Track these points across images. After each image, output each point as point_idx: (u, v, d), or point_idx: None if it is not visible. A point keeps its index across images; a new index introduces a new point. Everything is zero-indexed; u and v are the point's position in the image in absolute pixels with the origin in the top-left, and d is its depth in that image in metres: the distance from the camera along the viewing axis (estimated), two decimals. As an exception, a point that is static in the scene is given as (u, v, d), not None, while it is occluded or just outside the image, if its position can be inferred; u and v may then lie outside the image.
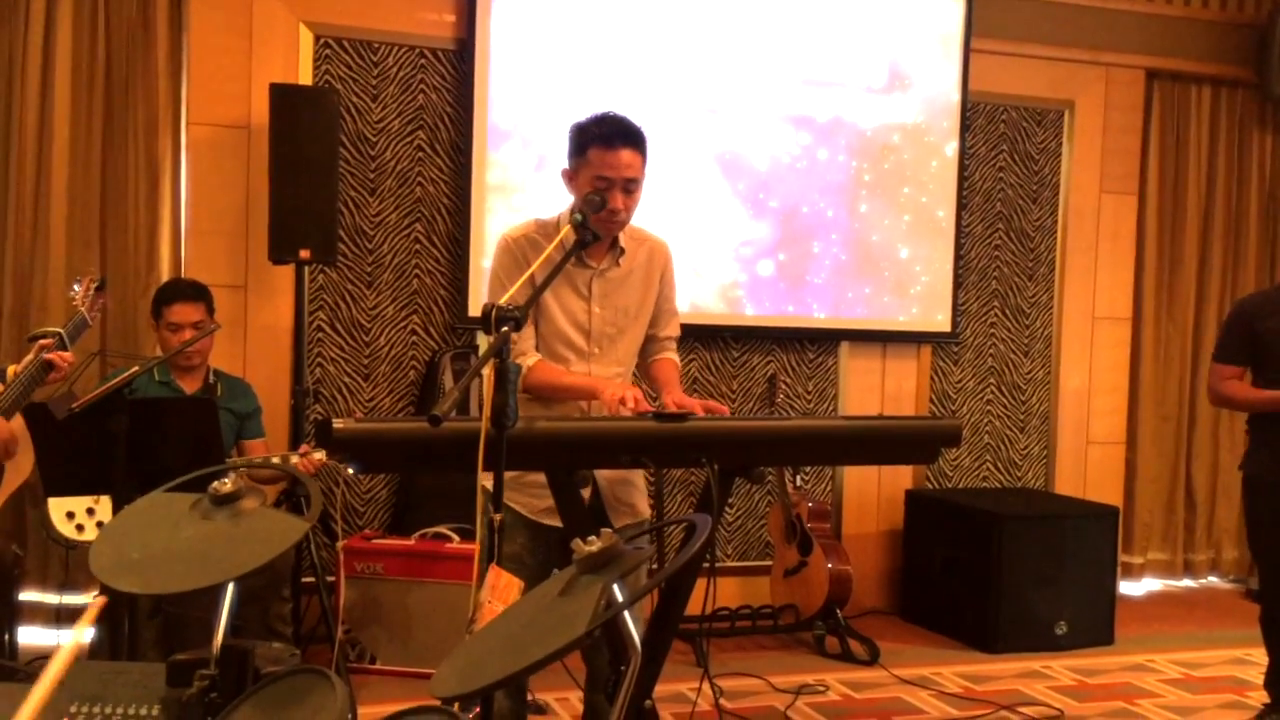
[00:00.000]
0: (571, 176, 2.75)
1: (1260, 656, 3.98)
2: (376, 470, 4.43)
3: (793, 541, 4.98)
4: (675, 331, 3.00)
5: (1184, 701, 4.34)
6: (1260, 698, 3.98)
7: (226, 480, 1.71)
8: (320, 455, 3.63)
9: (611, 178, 2.66)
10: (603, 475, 2.76)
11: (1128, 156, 5.89)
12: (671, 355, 2.98)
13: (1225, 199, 6.09)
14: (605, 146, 2.66)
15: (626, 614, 1.33)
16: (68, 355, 3.23)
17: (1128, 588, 5.92)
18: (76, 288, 3.45)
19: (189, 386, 3.98)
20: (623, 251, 2.80)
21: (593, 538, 1.41)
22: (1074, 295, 5.84)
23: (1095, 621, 5.04)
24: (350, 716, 1.41)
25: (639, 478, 2.87)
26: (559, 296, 2.76)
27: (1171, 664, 4.80)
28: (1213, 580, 6.20)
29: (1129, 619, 5.31)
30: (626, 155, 2.67)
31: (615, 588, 1.28)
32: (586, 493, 2.74)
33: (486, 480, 2.79)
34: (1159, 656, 4.88)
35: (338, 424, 2.35)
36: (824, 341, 5.43)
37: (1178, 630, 5.34)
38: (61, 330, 3.26)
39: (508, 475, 2.73)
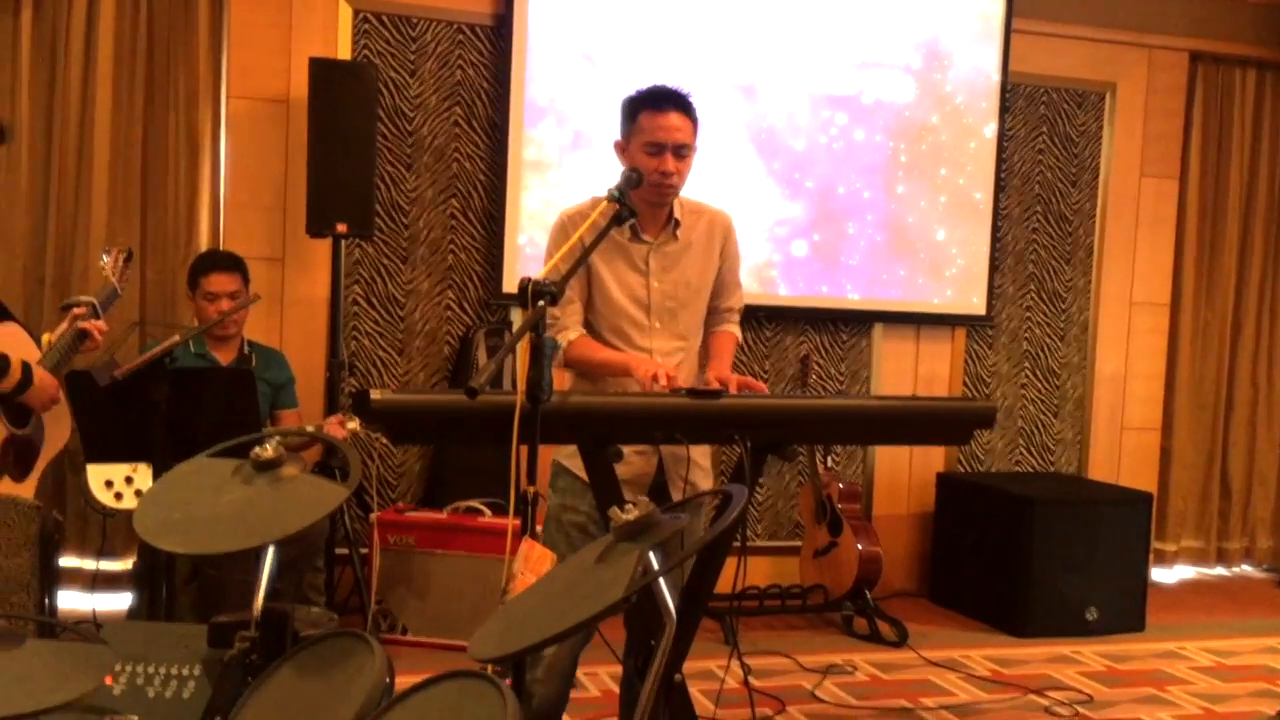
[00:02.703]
0: (624, 147, 2.77)
1: (1293, 645, 3.95)
2: (412, 441, 4.47)
3: (823, 522, 4.98)
4: (738, 303, 3.00)
5: (1215, 689, 4.31)
6: (1293, 687, 3.95)
7: (268, 446, 1.74)
8: (354, 424, 3.67)
9: (663, 140, 2.69)
10: (668, 453, 2.77)
11: (1169, 140, 5.82)
12: (731, 328, 2.98)
13: (1269, 185, 6.00)
14: (655, 109, 2.71)
15: (662, 582, 1.34)
16: (100, 324, 3.27)
17: (1160, 575, 5.88)
18: (105, 258, 3.48)
19: (224, 357, 4.02)
20: (678, 224, 2.81)
21: (630, 506, 1.42)
22: (1112, 280, 5.79)
23: (1126, 608, 5.01)
24: (388, 679, 1.43)
25: (705, 459, 2.87)
26: (616, 272, 2.77)
27: (1203, 651, 4.77)
28: (1246, 569, 6.15)
29: (1160, 606, 5.28)
30: (676, 118, 2.71)
31: (651, 555, 1.30)
32: (651, 466, 2.74)
33: (558, 452, 2.81)
34: (1190, 644, 4.86)
35: (375, 395, 2.37)
36: (857, 323, 5.41)
37: (1209, 618, 5.31)
38: (94, 299, 3.30)
39: (573, 445, 2.75)
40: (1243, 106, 5.93)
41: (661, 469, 2.77)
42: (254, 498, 1.65)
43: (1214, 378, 5.98)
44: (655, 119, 2.69)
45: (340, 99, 4.31)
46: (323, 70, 4.34)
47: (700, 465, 2.83)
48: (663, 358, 2.76)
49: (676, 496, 2.77)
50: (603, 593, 1.25)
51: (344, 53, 4.69)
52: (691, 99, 2.76)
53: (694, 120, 2.75)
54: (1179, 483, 5.97)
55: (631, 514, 1.40)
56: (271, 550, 1.70)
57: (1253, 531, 6.10)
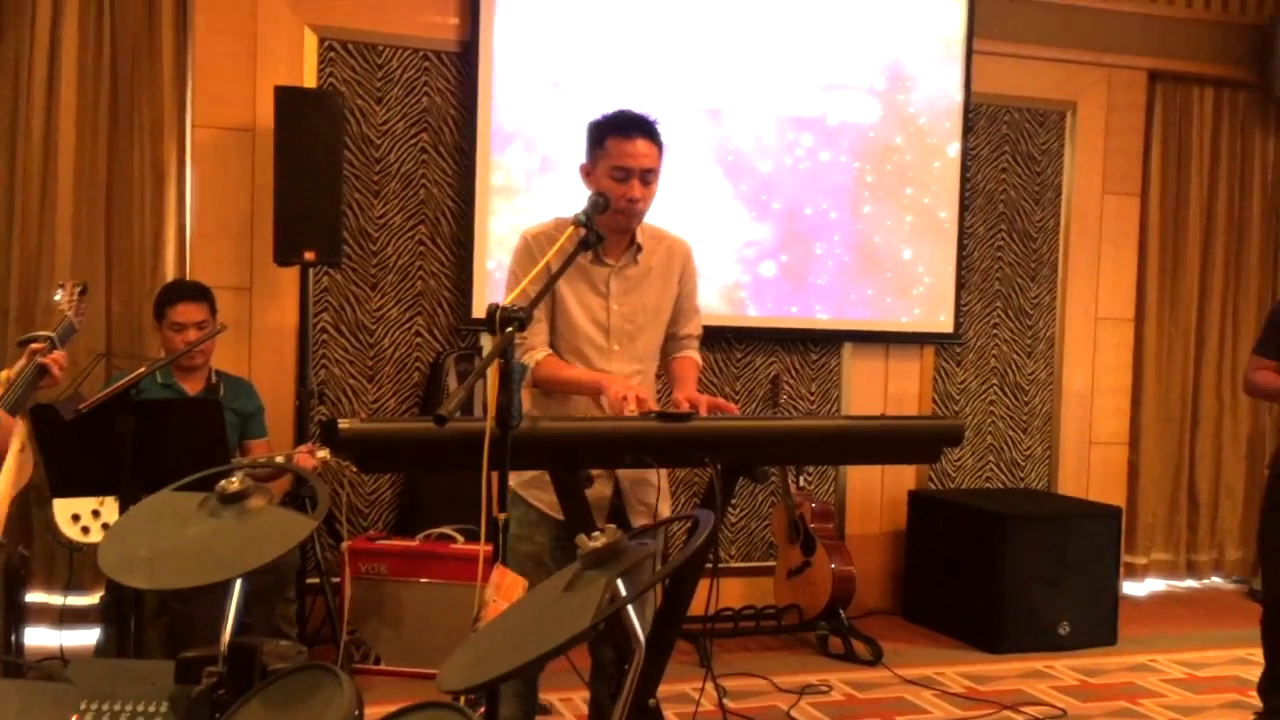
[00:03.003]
0: (589, 171, 2.78)
1: (1261, 656, 3.98)
2: (382, 470, 4.45)
3: (796, 542, 4.99)
4: (696, 330, 3.01)
5: (1186, 701, 4.34)
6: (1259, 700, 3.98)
7: (234, 479, 1.73)
8: (324, 454, 3.65)
9: (629, 166, 2.71)
10: (624, 476, 2.77)
11: (1130, 158, 5.90)
12: (692, 353, 2.99)
13: (1227, 200, 6.09)
14: (622, 135, 2.72)
15: (630, 609, 1.34)
16: (59, 356, 3.23)
17: (1131, 588, 5.93)
18: (60, 293, 3.44)
19: (191, 387, 4.00)
20: (640, 249, 2.83)
21: (597, 533, 1.42)
22: (1076, 296, 5.85)
23: (1098, 622, 5.04)
24: (357, 713, 1.42)
25: (662, 480, 2.87)
26: (578, 294, 2.79)
27: (1174, 664, 4.80)
28: (1215, 581, 6.21)
29: (1132, 619, 5.32)
30: (643, 144, 2.72)
31: (619, 582, 1.30)
32: (608, 489, 2.75)
33: (511, 480, 2.81)
34: (1162, 656, 4.89)
35: (343, 424, 2.36)
36: (827, 343, 5.44)
37: (1180, 630, 5.35)
38: (53, 334, 3.27)
39: (530, 474, 2.75)
40: (1201, 124, 6.02)
41: (619, 493, 2.77)
42: (220, 531, 1.64)
43: (1179, 391, 6.05)
44: (622, 145, 2.71)
45: (306, 127, 4.31)
46: (288, 98, 4.33)
47: (653, 484, 2.84)
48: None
49: (635, 521, 2.77)
50: (570, 620, 1.25)
51: (309, 80, 4.69)
52: (658, 125, 2.78)
53: (660, 146, 2.77)
54: (1147, 496, 6.02)
55: (599, 541, 1.40)
56: (239, 584, 1.68)
57: (1221, 543, 6.16)
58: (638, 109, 2.81)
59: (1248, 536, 6.12)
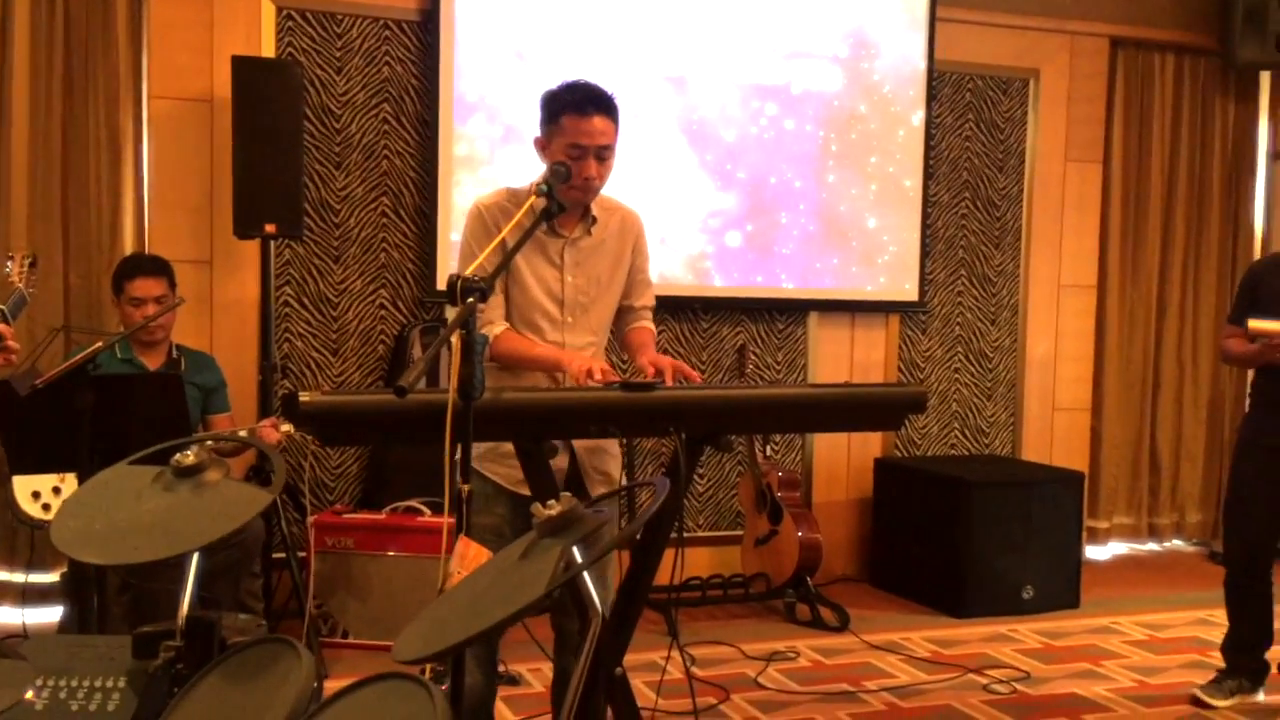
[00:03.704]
0: (544, 145, 2.74)
1: (1222, 618, 4.05)
2: (344, 443, 4.42)
3: (763, 511, 5.02)
4: (650, 301, 3.00)
5: (1148, 662, 4.41)
6: (1221, 660, 4.05)
7: (189, 453, 1.71)
8: (288, 428, 3.62)
9: (585, 145, 2.66)
10: (580, 445, 2.77)
11: (1092, 125, 5.93)
12: (647, 324, 2.98)
13: (1188, 167, 6.14)
14: (578, 114, 2.66)
15: (587, 576, 1.34)
16: (7, 330, 3.19)
17: (1093, 552, 6.00)
18: (10, 265, 3.39)
19: (152, 362, 3.96)
20: (594, 220, 2.80)
21: (552, 502, 1.42)
22: (1040, 263, 5.88)
23: (1061, 585, 5.11)
24: (316, 685, 1.41)
25: (614, 446, 2.88)
26: (532, 265, 2.76)
27: (1136, 626, 4.87)
28: (1176, 544, 6.29)
29: (1094, 582, 5.39)
30: (599, 122, 2.67)
31: (575, 550, 1.30)
32: (564, 461, 2.75)
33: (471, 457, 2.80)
34: (1123, 619, 4.96)
35: (304, 396, 2.34)
36: (793, 312, 5.45)
37: (1142, 593, 5.43)
38: (3, 307, 3.22)
39: (486, 446, 2.74)
40: (1162, 91, 6.05)
41: (575, 462, 2.77)
42: (175, 505, 1.62)
43: (1141, 358, 6.10)
44: (578, 124, 2.65)
45: (265, 97, 4.25)
46: (246, 68, 4.27)
47: (611, 454, 2.84)
48: (574, 351, 2.76)
49: (593, 490, 2.77)
50: (525, 588, 1.25)
51: (268, 50, 4.63)
52: (614, 98, 2.72)
53: (616, 121, 2.71)
54: (1109, 461, 6.09)
55: (554, 509, 1.40)
56: (196, 558, 1.67)
57: (1182, 506, 6.24)
58: (600, 78, 2.77)
59: (1208, 500, 6.21)
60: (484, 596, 1.34)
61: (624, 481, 2.81)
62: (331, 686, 1.82)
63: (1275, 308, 3.62)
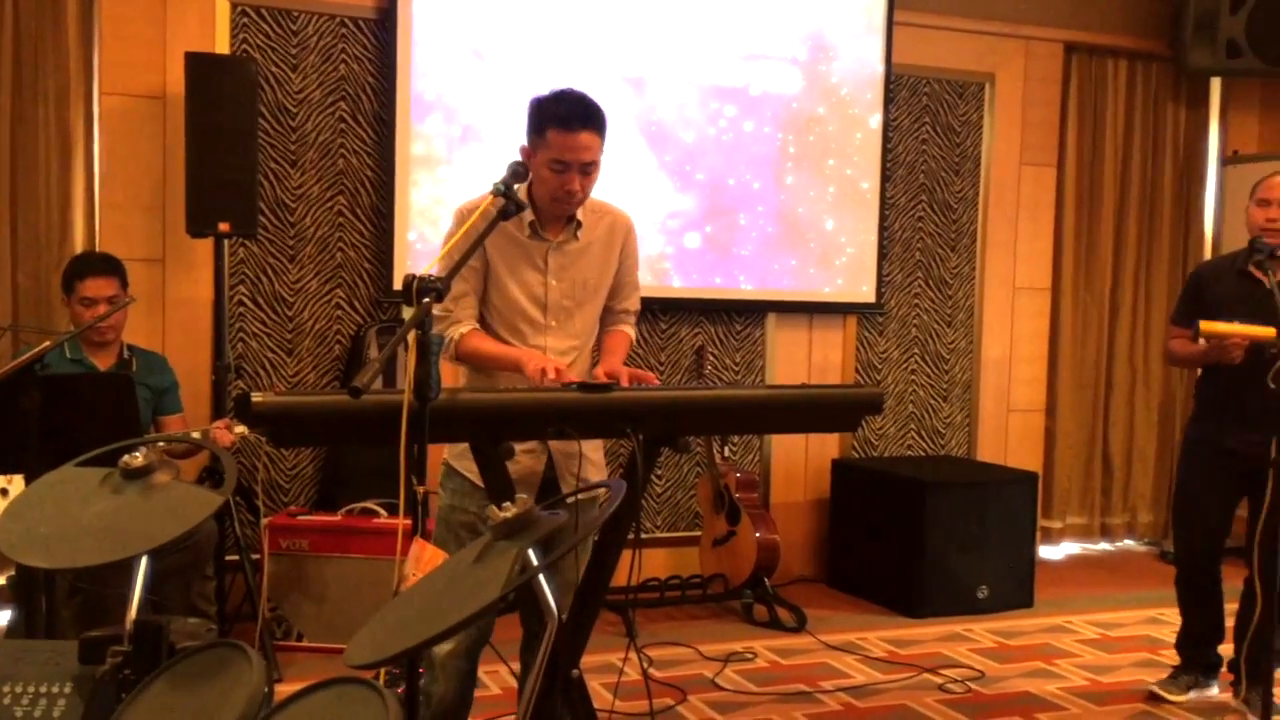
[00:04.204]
0: (529, 154, 2.69)
1: (1173, 616, 4.10)
2: (298, 444, 4.38)
3: (721, 511, 5.02)
4: (634, 305, 2.98)
5: (1100, 661, 4.46)
6: (1173, 657, 4.10)
7: (138, 454, 1.68)
8: (241, 429, 3.58)
9: (570, 160, 2.63)
10: (557, 450, 2.75)
11: (1047, 129, 5.99)
12: (626, 328, 2.95)
13: (1141, 171, 6.22)
14: (564, 129, 2.61)
15: (543, 579, 1.33)
16: None
17: (1047, 552, 6.06)
18: None
19: (102, 363, 3.90)
20: (580, 225, 2.78)
21: (508, 504, 1.41)
22: (995, 266, 5.94)
23: (1015, 585, 5.15)
24: (267, 690, 1.39)
25: (596, 453, 2.86)
26: (514, 270, 2.74)
27: (1088, 625, 4.93)
28: (1128, 543, 6.37)
29: (1048, 582, 5.44)
30: (586, 138, 2.63)
31: (530, 553, 1.29)
32: (540, 464, 2.73)
33: (446, 452, 2.79)
34: (1076, 618, 5.01)
35: (257, 397, 2.31)
36: (751, 313, 5.46)
37: (1094, 592, 5.49)
38: None
39: (463, 446, 2.72)
40: (1115, 95, 6.13)
41: (552, 466, 2.75)
42: (122, 508, 1.59)
43: (1094, 359, 6.17)
44: (565, 139, 2.61)
45: (219, 94, 4.20)
46: (200, 65, 4.22)
47: (592, 460, 2.82)
48: (556, 356, 2.74)
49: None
50: (480, 592, 1.24)
51: (222, 47, 4.57)
52: (602, 112, 2.67)
53: (603, 135, 2.67)
54: (1063, 461, 6.16)
55: (510, 511, 1.39)
56: (145, 561, 1.64)
57: (1134, 507, 6.32)
58: (560, 78, 2.75)
59: (1159, 500, 6.30)
60: (438, 600, 1.33)
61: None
62: (285, 690, 1.79)
63: (1222, 310, 3.67)
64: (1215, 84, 6.33)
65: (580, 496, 2.61)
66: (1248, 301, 3.66)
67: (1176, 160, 6.30)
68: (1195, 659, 4.01)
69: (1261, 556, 3.56)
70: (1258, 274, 3.72)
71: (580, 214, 2.78)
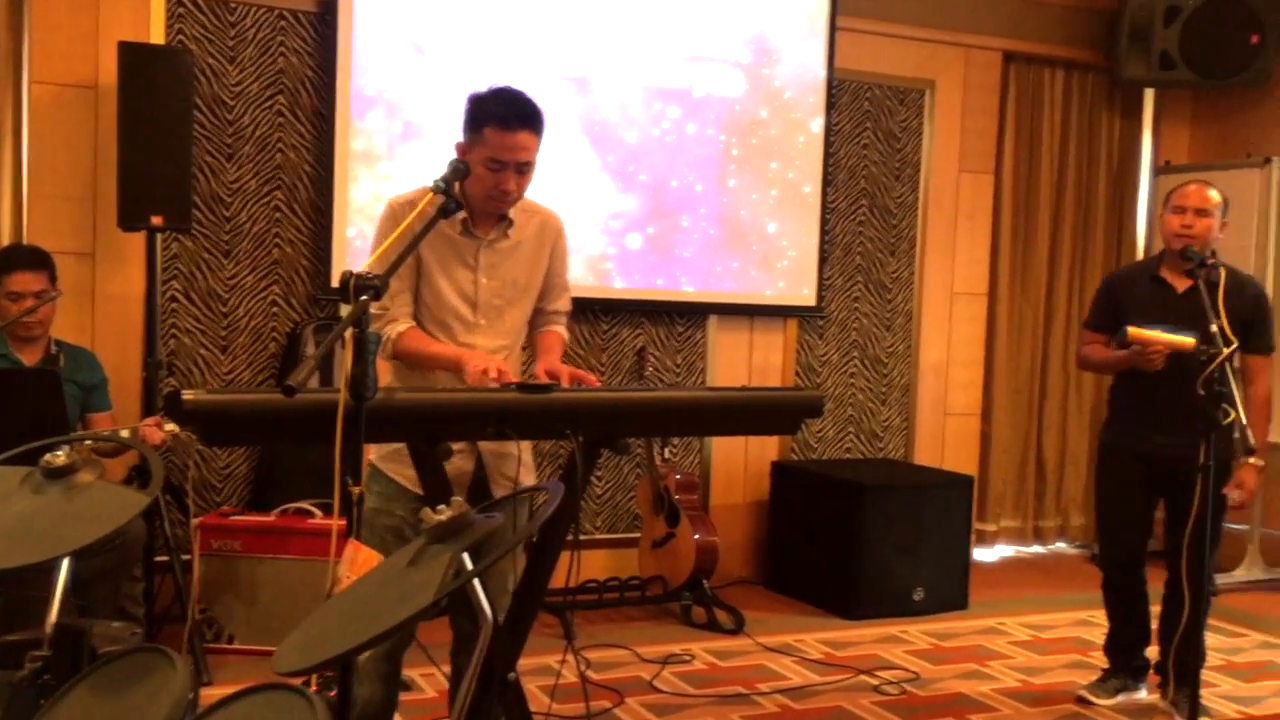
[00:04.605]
0: (465, 151, 2.67)
1: (1103, 618, 4.16)
2: (231, 443, 4.29)
3: (661, 513, 5.02)
4: (566, 306, 2.96)
5: (1032, 662, 4.52)
6: (1103, 659, 4.16)
7: (60, 453, 1.63)
8: (172, 427, 3.50)
9: (507, 160, 2.61)
10: (486, 449, 2.73)
11: (985, 137, 6.06)
12: (559, 329, 2.94)
13: (1076, 179, 6.32)
14: (502, 128, 2.59)
15: (477, 583, 1.31)
16: None
17: (981, 554, 6.14)
18: None
19: (29, 358, 3.80)
20: (511, 223, 2.76)
21: (442, 506, 1.38)
22: (934, 271, 6.00)
23: (950, 587, 5.21)
24: (191, 696, 1.36)
25: (526, 453, 2.83)
26: (445, 267, 2.71)
27: (1021, 627, 4.99)
28: (1061, 546, 6.47)
29: (982, 584, 5.50)
30: (524, 138, 2.61)
31: (465, 557, 1.26)
32: (470, 464, 2.70)
33: (371, 453, 2.75)
34: (1009, 620, 5.07)
35: (188, 395, 2.26)
36: (692, 315, 5.47)
37: (1027, 594, 5.56)
38: None
39: (388, 446, 2.68)
40: (1052, 104, 6.22)
41: (481, 466, 2.73)
42: (43, 508, 1.54)
43: (1029, 364, 6.26)
44: (502, 138, 2.59)
45: (153, 86, 4.12)
46: (133, 55, 4.13)
47: (523, 460, 2.80)
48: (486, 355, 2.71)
49: (498, 494, 2.74)
50: (413, 597, 1.22)
51: (157, 37, 4.48)
52: (540, 111, 2.65)
53: (541, 134, 2.66)
54: (998, 465, 6.24)
55: (444, 514, 1.36)
56: (66, 563, 1.59)
57: (1066, 510, 6.42)
58: (503, 76, 2.73)
59: (1090, 504, 6.38)
60: (369, 605, 1.30)
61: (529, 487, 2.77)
62: (216, 694, 1.75)
63: (1137, 316, 3.75)
64: (1149, 95, 6.46)
65: (498, 500, 2.58)
66: (1163, 307, 3.77)
67: (1110, 169, 6.41)
68: (1123, 663, 4.08)
69: (1190, 559, 3.62)
70: (1170, 279, 3.82)
71: (512, 212, 2.76)
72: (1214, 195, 3.80)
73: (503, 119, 2.59)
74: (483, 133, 2.61)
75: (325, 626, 1.36)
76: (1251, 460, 3.59)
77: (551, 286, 2.90)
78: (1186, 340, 3.55)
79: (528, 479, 2.82)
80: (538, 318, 2.92)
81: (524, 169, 2.65)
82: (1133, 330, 3.64)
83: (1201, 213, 3.77)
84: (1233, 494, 3.68)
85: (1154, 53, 5.96)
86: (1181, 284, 3.81)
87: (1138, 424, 3.89)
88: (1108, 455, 4.02)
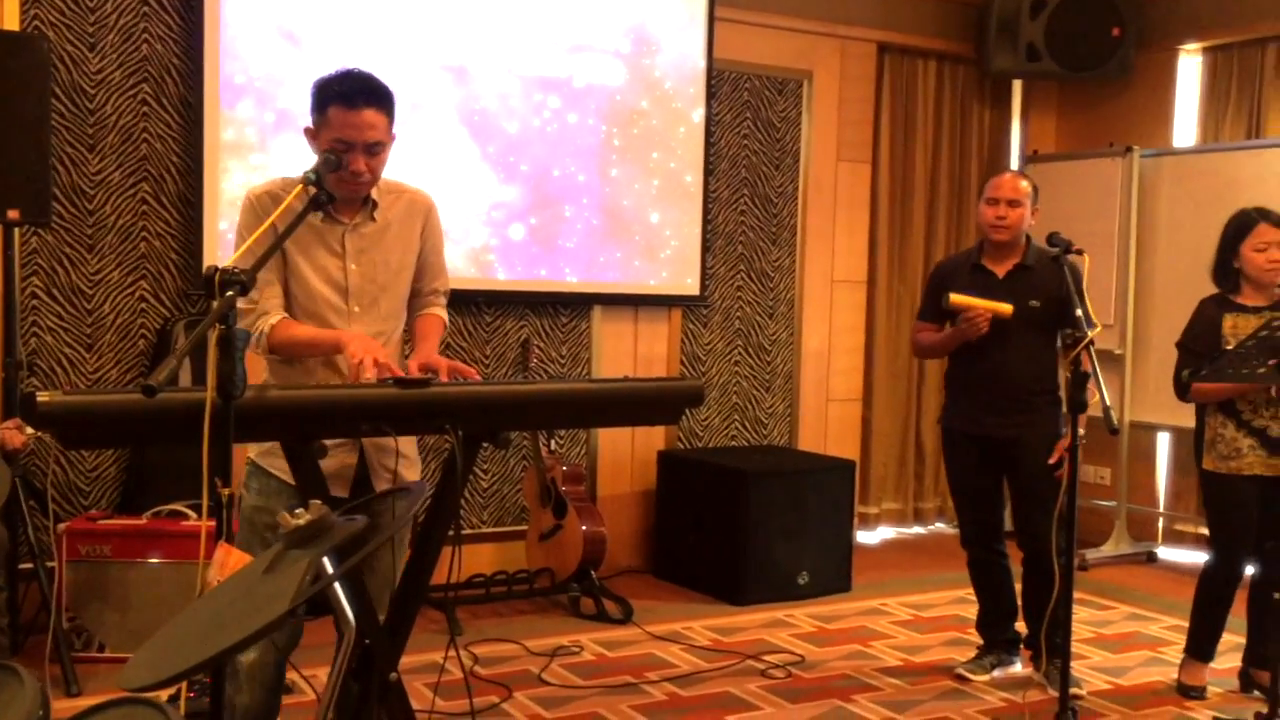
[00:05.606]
0: (313, 135, 2.62)
1: (978, 595, 4.28)
2: (91, 446, 4.14)
3: (547, 505, 5.00)
4: (444, 285, 2.90)
5: (913, 641, 4.63)
6: (978, 636, 4.28)
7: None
8: (31, 431, 3.36)
9: (352, 139, 2.55)
10: (369, 443, 2.67)
11: (862, 127, 6.17)
12: (438, 310, 2.88)
13: (949, 168, 6.47)
14: (346, 106, 2.54)
15: (339, 588, 1.27)
16: None
17: (864, 536, 6.27)
18: None
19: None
20: (375, 205, 2.70)
21: (300, 510, 1.35)
22: (814, 259, 6.09)
23: (834, 570, 5.30)
24: (42, 713, 1.30)
25: (409, 447, 2.78)
26: (310, 256, 2.64)
27: (902, 606, 5.11)
28: (940, 526, 6.63)
29: (865, 566, 5.62)
30: (369, 115, 2.55)
31: (325, 561, 1.23)
32: (352, 458, 2.65)
33: (250, 450, 2.67)
34: (891, 600, 5.19)
35: (42, 397, 2.17)
36: (576, 305, 5.45)
37: (908, 575, 5.69)
38: None
39: (269, 444, 2.60)
40: (925, 95, 6.36)
41: (364, 460, 2.68)
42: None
43: (907, 350, 6.40)
44: (346, 116, 2.53)
45: (7, 73, 3.92)
46: (-16, 41, 3.94)
47: (406, 455, 2.75)
48: None
49: (380, 488, 2.69)
50: (268, 605, 1.18)
51: (10, 23, 4.28)
52: (388, 89, 2.61)
53: (390, 114, 2.61)
54: (879, 449, 6.37)
55: (302, 518, 1.33)
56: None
57: (944, 492, 6.57)
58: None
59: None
60: (223, 615, 1.26)
61: (413, 480, 2.72)
62: (82, 705, 1.68)
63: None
64: (1017, 86, 6.65)
65: (361, 500, 2.53)
66: (986, 292, 3.94)
67: (982, 158, 6.58)
68: (995, 638, 4.21)
69: (1057, 533, 3.75)
70: (990, 266, 4.01)
71: (375, 194, 2.70)
72: (1024, 185, 3.99)
73: (346, 97, 2.54)
74: (327, 113, 2.56)
75: (179, 638, 1.31)
76: (1066, 432, 3.79)
77: (427, 266, 2.84)
78: (1004, 306, 3.84)
79: (410, 473, 2.77)
80: (415, 300, 2.86)
81: (374, 149, 2.58)
82: (954, 296, 3.86)
83: (1014, 203, 3.95)
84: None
85: (1021, 45, 6.13)
86: (1001, 269, 4.01)
87: (970, 406, 4.06)
88: (948, 439, 4.19)
